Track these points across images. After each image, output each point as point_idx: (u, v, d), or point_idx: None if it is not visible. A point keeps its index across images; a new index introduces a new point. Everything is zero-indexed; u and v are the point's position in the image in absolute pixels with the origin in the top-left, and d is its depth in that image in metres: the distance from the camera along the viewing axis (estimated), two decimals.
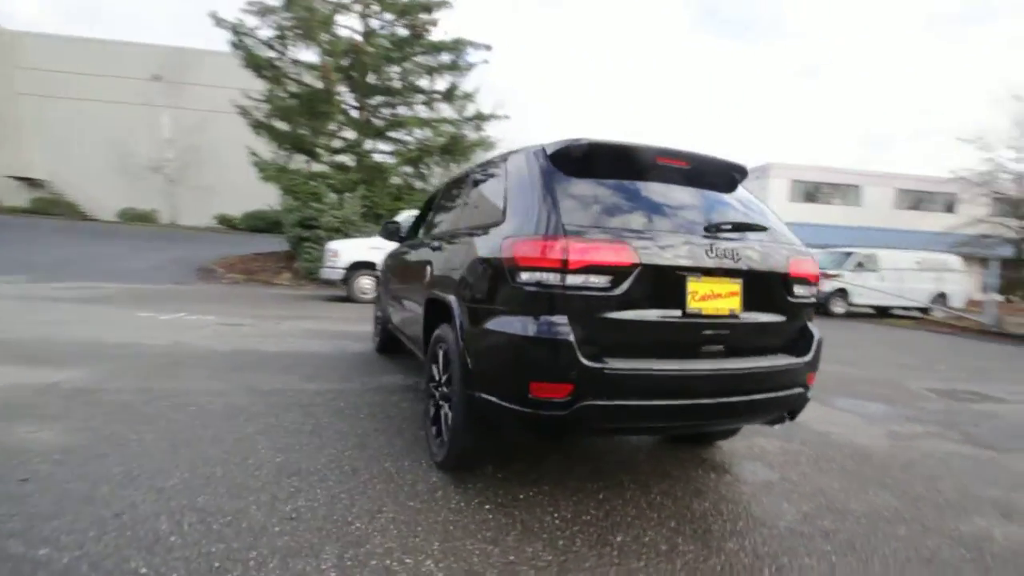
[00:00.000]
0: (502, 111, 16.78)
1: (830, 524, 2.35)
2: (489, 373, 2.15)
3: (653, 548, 2.05)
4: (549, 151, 2.35)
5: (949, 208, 27.13)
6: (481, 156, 18.01)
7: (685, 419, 2.21)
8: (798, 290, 2.40)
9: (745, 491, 2.65)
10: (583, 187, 2.24)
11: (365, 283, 10.11)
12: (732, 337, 2.23)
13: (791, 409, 2.40)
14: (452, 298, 2.48)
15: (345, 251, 10.10)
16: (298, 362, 4.73)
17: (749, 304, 2.24)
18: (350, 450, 2.80)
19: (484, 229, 2.46)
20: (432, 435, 2.75)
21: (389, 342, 5.16)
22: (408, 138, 16.23)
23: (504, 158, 2.67)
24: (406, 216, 10.66)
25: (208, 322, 6.61)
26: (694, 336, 2.16)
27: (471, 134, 16.39)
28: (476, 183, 2.96)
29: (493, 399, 2.13)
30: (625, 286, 2.01)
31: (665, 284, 2.09)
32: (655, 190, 2.36)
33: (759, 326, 2.30)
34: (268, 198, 18.18)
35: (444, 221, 3.40)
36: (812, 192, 26.35)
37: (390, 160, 15.67)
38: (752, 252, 2.26)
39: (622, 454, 3.03)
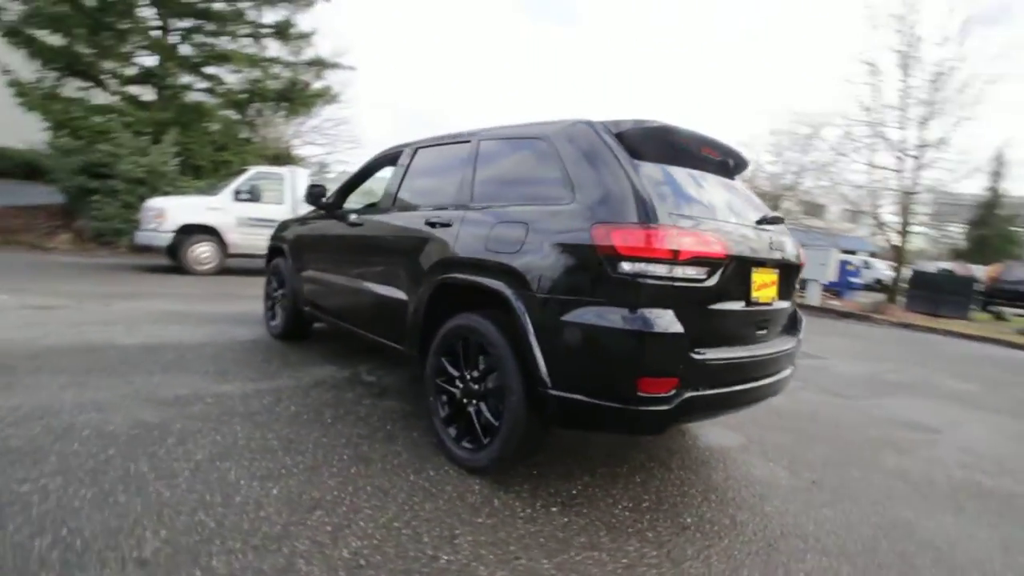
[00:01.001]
0: (342, 60, 15.10)
1: (811, 475, 2.77)
2: (579, 370, 1.98)
3: (720, 524, 2.17)
4: (615, 129, 2.22)
5: None
6: (324, 108, 16.14)
7: (748, 402, 2.36)
8: (799, 278, 2.71)
9: (735, 456, 2.95)
10: (650, 171, 2.16)
11: (203, 251, 8.39)
12: (770, 323, 2.43)
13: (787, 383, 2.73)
14: (501, 285, 2.19)
15: (174, 211, 8.20)
16: (184, 356, 3.74)
17: (779, 293, 2.46)
18: (354, 465, 2.34)
19: (538, 209, 2.22)
20: (451, 437, 2.46)
21: (298, 326, 4.40)
22: (231, 76, 13.72)
23: (542, 129, 2.42)
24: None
25: (2, 303, 4.78)
26: (754, 324, 2.29)
27: (313, 82, 14.57)
28: (494, 153, 2.63)
29: (581, 398, 1.98)
30: (716, 277, 2.03)
31: (740, 275, 2.16)
32: (704, 180, 2.40)
33: (782, 312, 2.55)
34: (19, 131, 13.62)
35: (431, 193, 2.96)
36: None
37: (211, 100, 13.02)
38: (785, 244, 2.47)
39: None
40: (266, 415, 2.81)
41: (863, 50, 16.13)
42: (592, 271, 1.96)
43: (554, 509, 2.15)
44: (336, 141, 20.68)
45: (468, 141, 2.81)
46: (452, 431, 2.48)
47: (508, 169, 2.56)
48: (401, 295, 2.84)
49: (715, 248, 1.99)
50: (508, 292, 2.16)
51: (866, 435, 3.55)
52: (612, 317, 1.89)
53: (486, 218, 2.41)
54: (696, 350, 1.97)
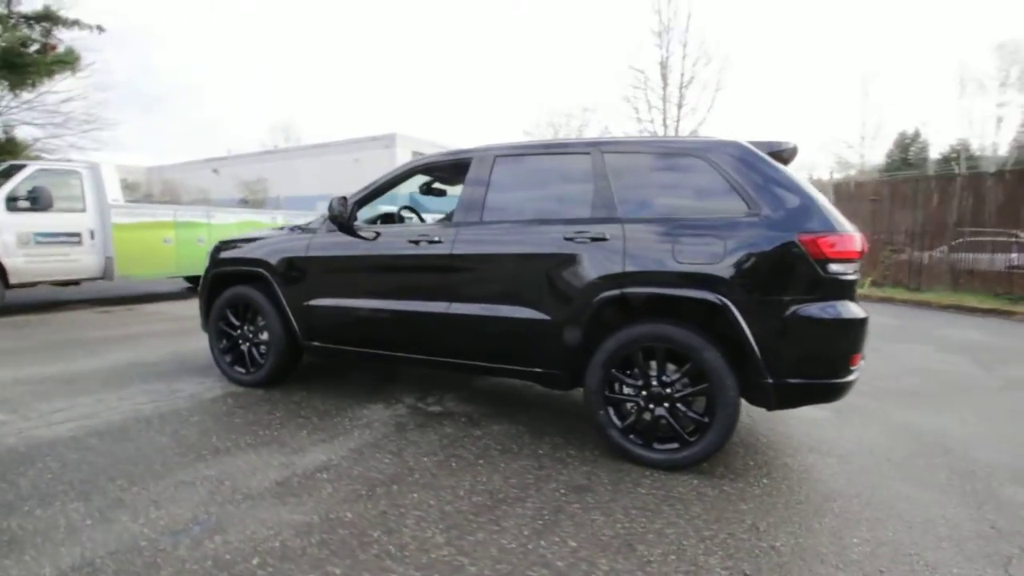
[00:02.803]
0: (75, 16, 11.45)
1: (830, 408, 3.65)
2: (801, 358, 2.32)
3: (851, 458, 2.80)
4: (767, 150, 2.58)
5: None
6: (66, 78, 12.18)
7: None
8: None
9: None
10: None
11: None
12: None
13: None
14: (709, 294, 2.37)
15: None
16: (181, 434, 2.79)
17: None
18: (585, 496, 2.27)
19: (720, 220, 2.45)
20: (638, 444, 2.56)
21: (289, 367, 3.62)
22: None
23: (692, 146, 2.61)
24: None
25: None
26: None
27: (50, 42, 10.95)
28: (630, 167, 2.69)
29: (800, 381, 2.34)
30: None
31: None
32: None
33: None
34: None
35: (541, 205, 2.85)
36: None
37: None
38: None
39: None
40: (417, 475, 2.42)
41: (631, 60, 19.34)
42: (805, 273, 2.31)
43: (784, 486, 2.42)
44: (68, 121, 15.76)
45: (586, 153, 2.80)
46: (636, 439, 2.57)
47: (654, 183, 2.67)
48: (538, 315, 2.71)
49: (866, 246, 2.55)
50: (720, 299, 2.36)
51: None
52: (834, 310, 2.29)
53: (660, 231, 2.52)
54: None
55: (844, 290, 2.35)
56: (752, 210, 2.43)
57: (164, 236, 7.50)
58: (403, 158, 28.68)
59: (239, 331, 3.67)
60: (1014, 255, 10.12)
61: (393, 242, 3.16)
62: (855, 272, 2.39)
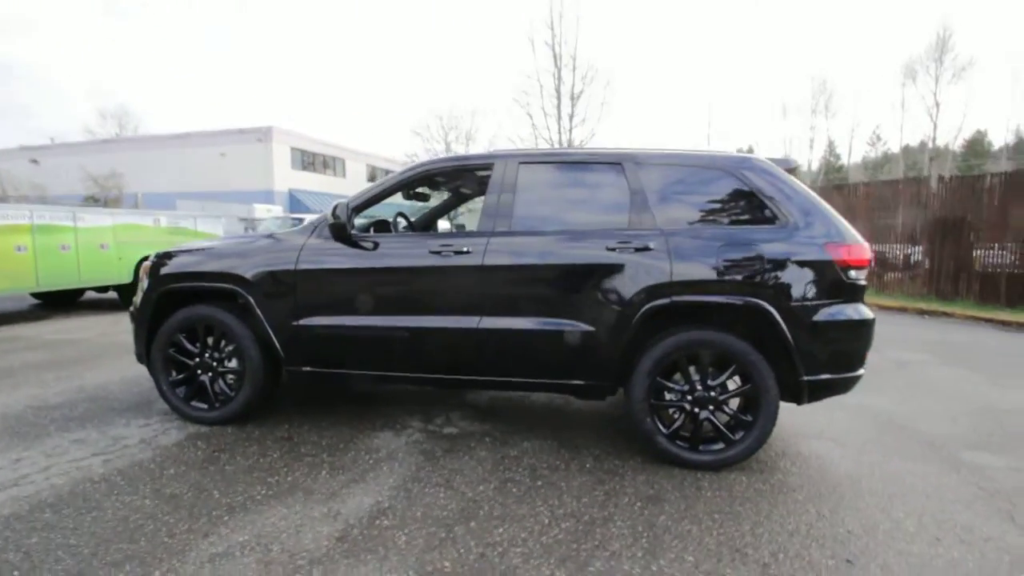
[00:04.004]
0: None
1: None
2: (829, 355, 2.56)
3: (854, 438, 3.17)
4: (782, 167, 2.80)
5: None
6: None
7: None
8: None
9: None
10: None
11: None
12: None
13: None
14: (754, 299, 2.52)
15: None
16: (174, 497, 2.27)
17: None
18: (664, 506, 2.27)
19: (751, 229, 2.62)
20: (685, 449, 2.64)
21: (266, 397, 3.12)
22: None
23: (720, 161, 2.73)
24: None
25: None
26: None
27: None
28: (662, 179, 2.74)
29: (828, 376, 2.59)
30: None
31: None
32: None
33: None
34: None
35: (576, 214, 2.80)
36: (309, 161, 27.83)
37: None
38: None
39: None
40: (486, 507, 2.23)
41: (526, 67, 19.87)
42: (831, 280, 2.55)
43: (814, 473, 2.67)
44: None
45: (618, 163, 2.80)
46: (682, 443, 2.65)
47: (688, 195, 2.75)
48: (581, 326, 2.65)
49: None
50: (764, 304, 2.52)
51: None
52: (856, 311, 2.57)
53: (703, 241, 2.61)
54: None
55: (859, 293, 2.65)
56: (781, 222, 2.63)
57: (17, 243, 6.00)
58: (281, 154, 26.49)
59: (198, 359, 3.08)
60: None
61: (408, 252, 2.89)
62: (865, 278, 2.71)
